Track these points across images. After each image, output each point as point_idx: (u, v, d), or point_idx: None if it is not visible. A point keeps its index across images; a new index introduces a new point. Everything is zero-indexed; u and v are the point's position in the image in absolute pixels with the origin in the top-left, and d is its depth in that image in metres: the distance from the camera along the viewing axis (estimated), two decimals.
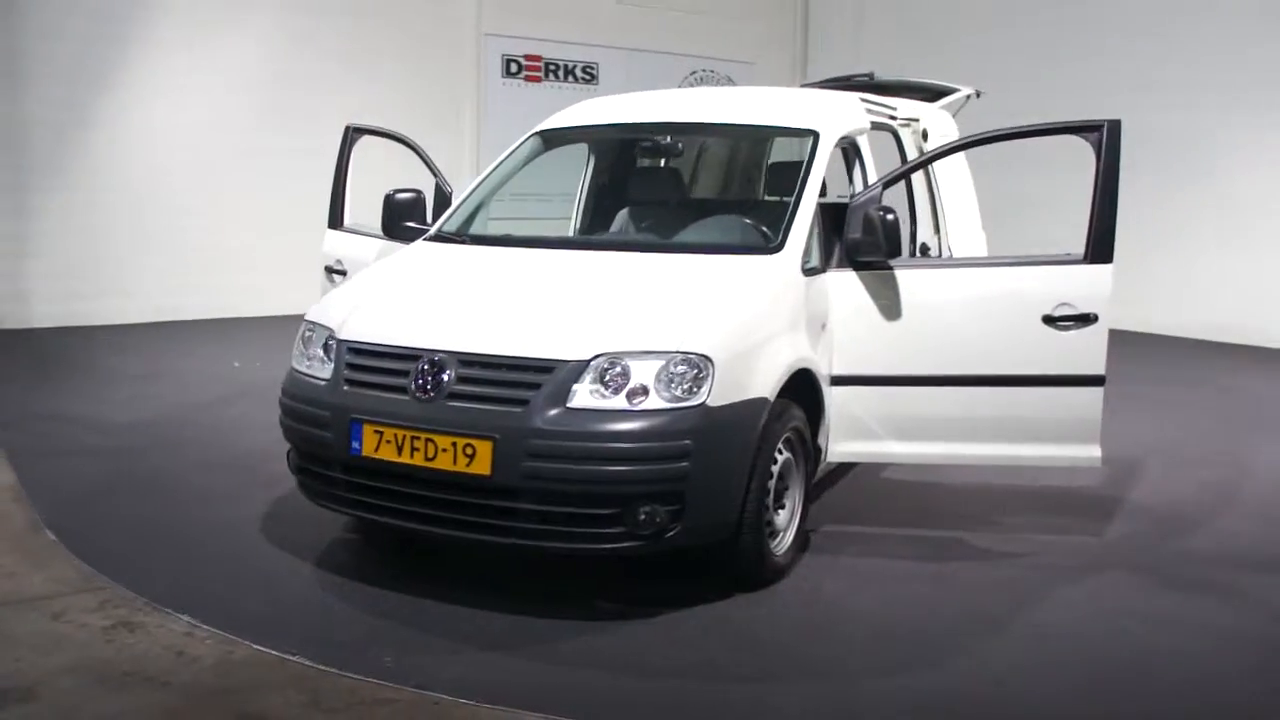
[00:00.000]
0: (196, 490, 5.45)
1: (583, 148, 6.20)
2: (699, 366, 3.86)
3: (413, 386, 3.98)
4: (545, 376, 3.85)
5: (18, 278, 9.86)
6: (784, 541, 4.43)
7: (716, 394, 3.87)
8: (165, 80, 10.41)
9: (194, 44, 10.55)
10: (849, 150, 5.41)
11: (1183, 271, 11.08)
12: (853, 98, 5.66)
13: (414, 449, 3.92)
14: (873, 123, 5.62)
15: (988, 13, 12.45)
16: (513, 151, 5.58)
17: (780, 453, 4.30)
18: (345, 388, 4.16)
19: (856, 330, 4.70)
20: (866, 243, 4.58)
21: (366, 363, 4.16)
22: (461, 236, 5.09)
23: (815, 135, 5.02)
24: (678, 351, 3.88)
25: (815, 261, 4.70)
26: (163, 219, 10.41)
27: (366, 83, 11.29)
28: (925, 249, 6.31)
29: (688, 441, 3.80)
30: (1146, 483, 5.90)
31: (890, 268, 4.68)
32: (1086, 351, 4.61)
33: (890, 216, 4.54)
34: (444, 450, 3.87)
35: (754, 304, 4.27)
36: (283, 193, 10.67)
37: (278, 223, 10.60)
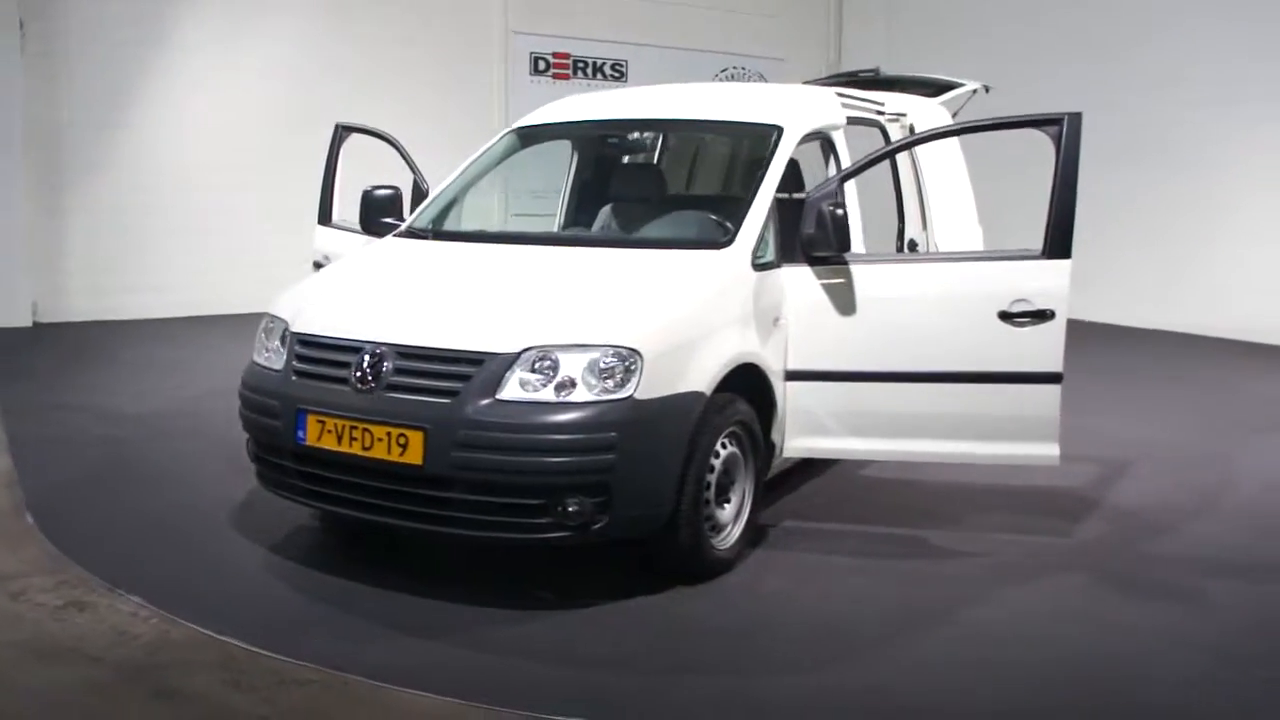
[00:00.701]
0: (180, 478, 5.65)
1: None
2: (627, 359, 3.93)
3: (354, 377, 4.10)
4: (476, 368, 3.94)
5: (55, 273, 10.23)
6: (730, 536, 4.47)
7: (645, 387, 3.93)
8: (195, 81, 10.73)
9: (223, 45, 10.86)
10: (824, 146, 5.43)
11: (1193, 266, 10.92)
12: (829, 93, 5.67)
13: (353, 438, 4.04)
14: (853, 118, 5.63)
15: (1022, 6, 12.31)
16: (488, 149, 5.69)
17: (724, 447, 4.34)
18: (294, 378, 4.31)
19: (812, 325, 4.72)
20: (819, 238, 4.60)
21: (314, 354, 4.30)
22: (425, 232, 5.20)
23: (779, 130, 5.05)
24: (606, 344, 3.94)
25: (771, 256, 4.73)
26: (193, 216, 10.72)
27: (394, 81, 11.51)
28: (914, 245, 6.29)
29: (614, 434, 3.86)
30: (1132, 484, 5.84)
31: (846, 263, 4.70)
32: (1043, 348, 4.58)
33: (840, 211, 4.56)
34: (380, 440, 3.98)
35: (693, 298, 4.32)
36: (311, 190, 10.84)
37: (306, 219, 10.81)
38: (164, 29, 10.58)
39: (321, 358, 4.26)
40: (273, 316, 4.62)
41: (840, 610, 4.18)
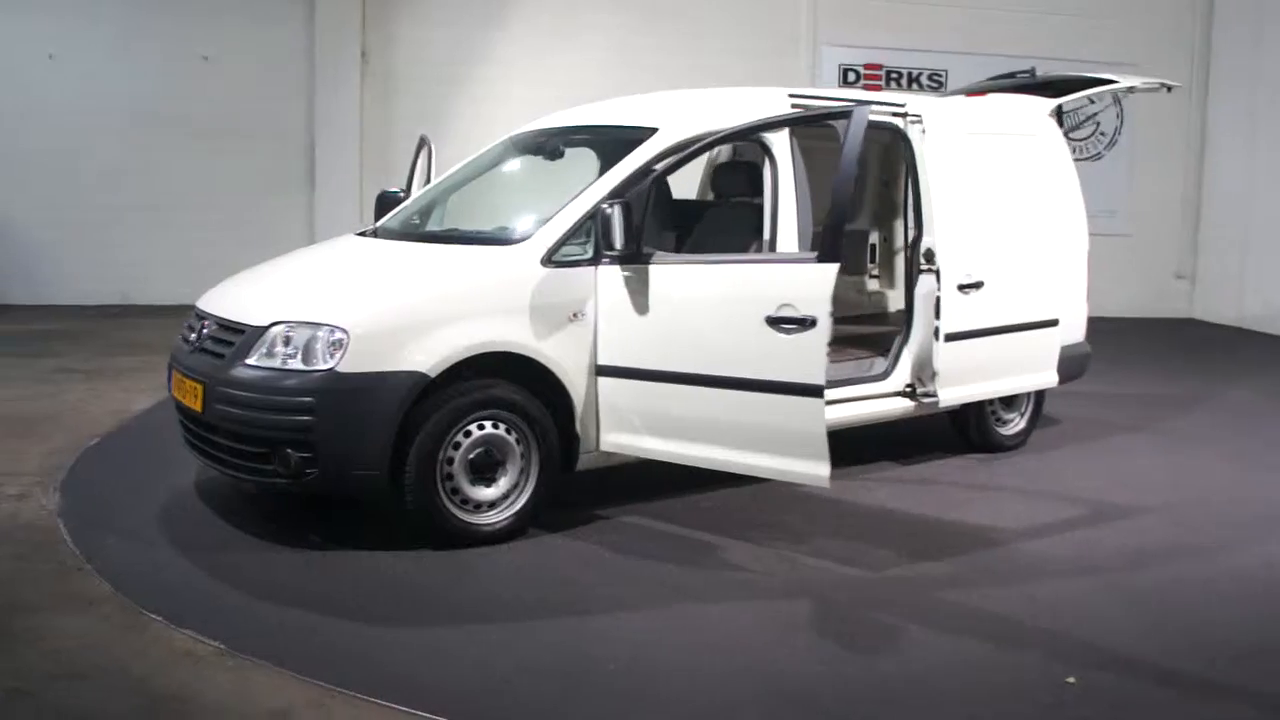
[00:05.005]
0: None
1: None
2: (338, 337, 4.66)
3: (190, 340, 5.23)
4: (239, 337, 4.90)
5: None
6: (500, 514, 4.97)
7: (350, 362, 4.66)
8: (506, 94, 12.41)
9: (534, 60, 12.50)
10: (760, 149, 5.57)
11: None
12: (775, 95, 5.78)
13: (180, 388, 5.18)
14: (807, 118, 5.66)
15: None
16: (482, 154, 6.55)
17: (480, 428, 4.87)
18: (181, 342, 5.51)
19: (615, 322, 5.07)
20: (602, 238, 4.95)
21: (191, 322, 5.49)
22: (369, 230, 6.18)
23: (651, 133, 5.38)
24: (324, 323, 4.74)
25: (585, 254, 5.11)
26: None
27: None
28: (930, 255, 6.12)
29: (311, 399, 4.65)
30: (1092, 533, 5.46)
31: (643, 262, 4.98)
32: (805, 358, 4.58)
33: (609, 210, 4.86)
34: (189, 391, 5.08)
35: (428, 288, 4.97)
36: None
37: None
38: (479, 50, 12.48)
39: (191, 325, 5.44)
40: None
41: (524, 591, 4.56)
